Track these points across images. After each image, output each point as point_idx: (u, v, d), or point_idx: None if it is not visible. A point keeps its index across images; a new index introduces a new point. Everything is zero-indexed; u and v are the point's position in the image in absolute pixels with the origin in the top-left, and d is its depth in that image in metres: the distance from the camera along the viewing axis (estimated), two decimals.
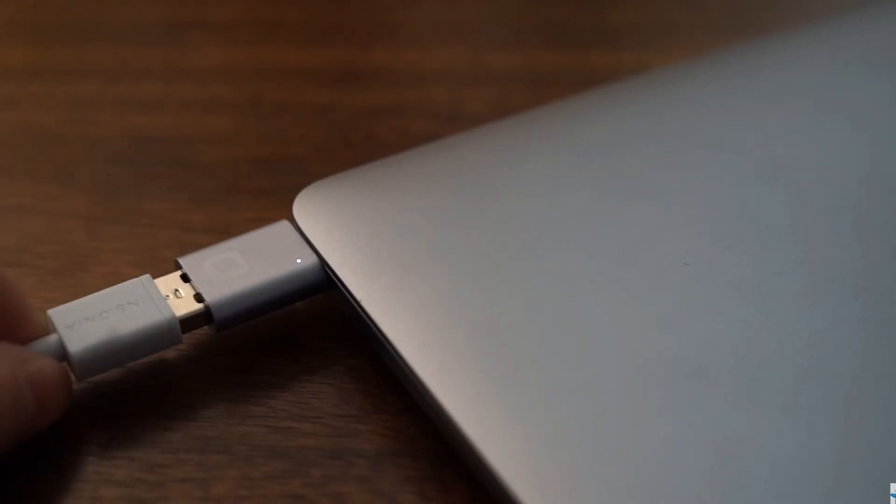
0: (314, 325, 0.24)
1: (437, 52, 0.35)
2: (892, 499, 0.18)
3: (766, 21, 0.36)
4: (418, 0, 0.39)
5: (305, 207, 0.24)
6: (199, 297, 0.22)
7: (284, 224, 0.24)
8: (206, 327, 0.23)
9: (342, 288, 0.22)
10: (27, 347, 0.21)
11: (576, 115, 0.27)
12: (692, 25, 0.36)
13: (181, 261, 0.23)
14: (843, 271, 0.22)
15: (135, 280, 0.22)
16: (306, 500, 0.20)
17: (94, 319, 0.21)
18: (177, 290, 0.22)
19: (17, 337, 0.21)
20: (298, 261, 0.23)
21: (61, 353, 0.21)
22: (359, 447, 0.21)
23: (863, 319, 0.21)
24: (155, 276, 0.22)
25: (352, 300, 0.22)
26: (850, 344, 0.21)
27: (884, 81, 0.28)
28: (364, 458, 0.21)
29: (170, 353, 0.23)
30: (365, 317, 0.22)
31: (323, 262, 0.23)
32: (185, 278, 0.22)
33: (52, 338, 0.21)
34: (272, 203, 0.28)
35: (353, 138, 0.31)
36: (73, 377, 0.21)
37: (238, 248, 0.23)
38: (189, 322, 0.22)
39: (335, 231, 0.23)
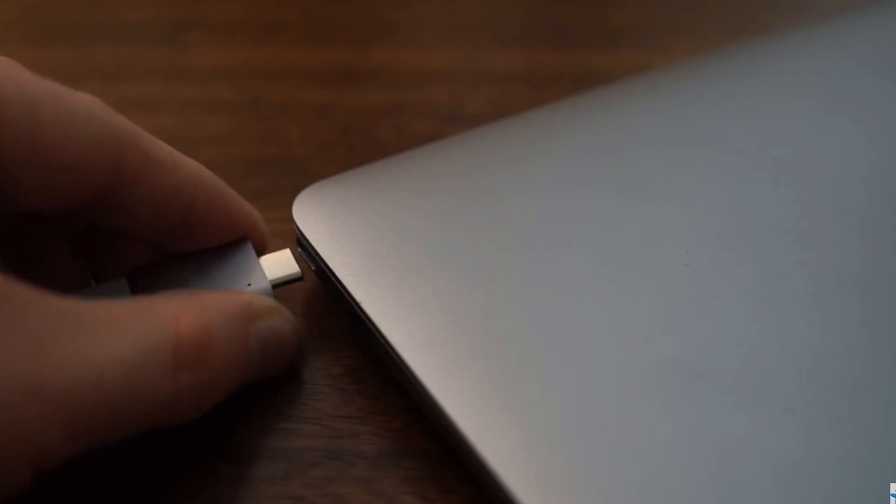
0: (314, 326, 0.24)
1: (437, 52, 0.35)
2: (892, 499, 0.18)
3: (766, 21, 0.36)
4: (418, 0, 0.39)
5: (305, 208, 0.24)
6: None
7: (244, 243, 0.23)
8: None
9: (342, 289, 0.22)
10: (260, 296, 0.22)
11: (576, 115, 0.27)
12: (692, 25, 0.36)
13: (134, 275, 0.22)
14: (845, 272, 0.22)
15: None
16: (306, 500, 0.20)
17: None
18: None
19: (232, 232, 0.22)
20: (249, 285, 0.22)
21: None
22: (359, 448, 0.21)
23: (864, 320, 0.21)
24: None
25: (351, 301, 0.22)
26: (850, 344, 0.21)
27: (885, 81, 0.28)
28: (364, 458, 0.21)
29: None
30: (364, 318, 0.22)
31: (322, 263, 0.23)
32: (137, 292, 0.22)
33: None
34: (272, 203, 0.28)
35: (353, 138, 0.31)
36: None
37: (192, 266, 0.23)
38: None
39: (335, 232, 0.23)
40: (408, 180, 0.25)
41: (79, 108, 0.19)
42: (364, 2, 0.39)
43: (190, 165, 0.21)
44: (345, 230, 0.23)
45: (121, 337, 0.18)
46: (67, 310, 0.17)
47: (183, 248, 0.23)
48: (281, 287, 0.23)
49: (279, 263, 0.23)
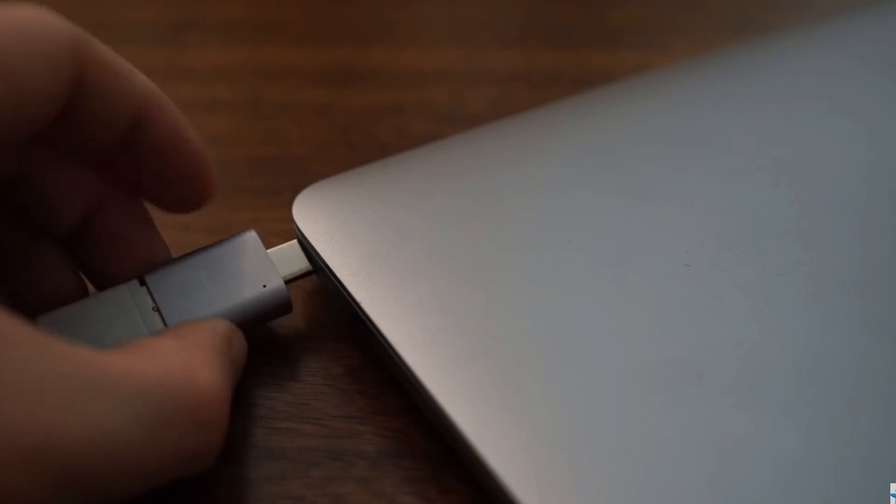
0: (313, 326, 0.24)
1: (437, 52, 0.35)
2: (892, 499, 0.18)
3: (766, 21, 0.36)
4: (418, 0, 0.39)
5: (305, 208, 0.24)
6: (161, 325, 0.21)
7: (251, 236, 0.23)
8: None
9: (342, 289, 0.22)
10: (224, 320, 0.21)
11: (576, 115, 0.27)
12: (692, 25, 0.36)
13: (147, 277, 0.22)
14: (845, 272, 0.22)
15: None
16: (306, 500, 0.20)
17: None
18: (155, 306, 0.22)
19: (178, 162, 0.21)
20: (264, 286, 0.22)
21: None
22: (359, 448, 0.21)
23: (864, 320, 0.21)
24: None
25: (351, 301, 0.22)
26: (850, 345, 0.21)
27: (885, 81, 0.28)
28: (364, 458, 0.21)
29: None
30: (364, 318, 0.22)
31: (322, 263, 0.23)
32: (152, 295, 0.22)
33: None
34: (272, 203, 0.28)
35: (353, 138, 0.31)
36: None
37: (204, 266, 0.22)
38: None
39: (335, 232, 0.23)
40: (408, 180, 0.25)
41: (30, 28, 0.18)
42: (364, 2, 0.39)
43: (143, 77, 0.21)
44: (345, 230, 0.23)
45: (135, 394, 0.17)
46: (74, 360, 0.16)
47: (125, 177, 0.22)
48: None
49: (288, 258, 0.23)
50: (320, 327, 0.24)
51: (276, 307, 0.22)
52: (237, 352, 0.21)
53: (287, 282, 0.23)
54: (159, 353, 0.18)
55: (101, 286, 0.22)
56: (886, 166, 0.25)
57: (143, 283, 0.22)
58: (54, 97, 0.19)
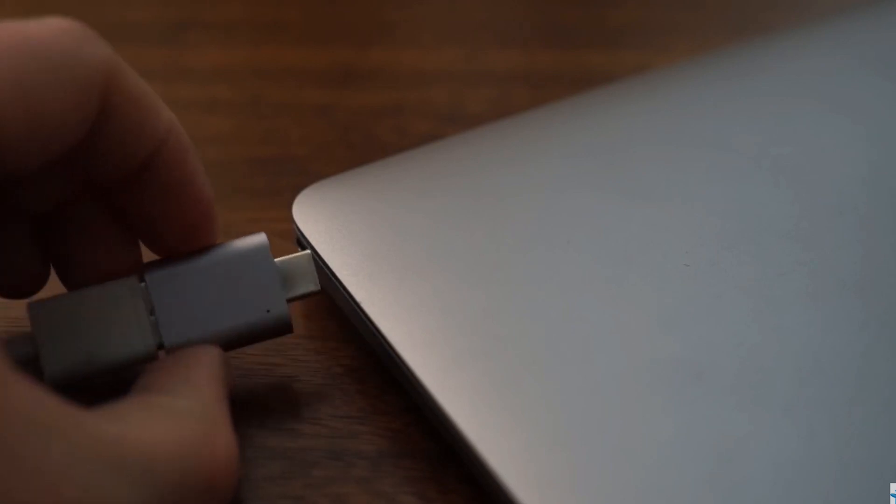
0: (313, 326, 0.24)
1: (437, 52, 0.35)
2: (892, 499, 0.18)
3: (766, 21, 0.36)
4: (418, 0, 0.39)
5: (305, 208, 0.24)
6: (157, 335, 0.20)
7: (262, 243, 0.21)
8: None
9: (342, 289, 0.22)
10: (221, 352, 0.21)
11: (576, 115, 0.27)
12: (692, 25, 0.36)
13: (147, 276, 0.21)
14: (845, 272, 0.22)
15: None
16: (306, 500, 0.20)
17: None
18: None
19: (196, 241, 0.21)
20: (267, 311, 0.21)
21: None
22: (359, 448, 0.21)
23: (864, 320, 0.21)
24: None
25: (351, 301, 0.22)
26: (850, 345, 0.21)
27: (885, 81, 0.28)
28: (364, 458, 0.21)
29: None
30: (364, 318, 0.22)
31: (322, 263, 0.23)
32: (150, 296, 0.21)
33: None
34: (272, 203, 0.28)
35: (353, 138, 0.31)
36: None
37: (209, 274, 0.21)
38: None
39: (335, 232, 0.23)
40: (408, 180, 0.25)
41: (57, 53, 0.17)
42: (364, 2, 0.39)
43: (168, 112, 0.20)
44: (345, 230, 0.23)
45: (154, 471, 0.16)
46: (93, 434, 0.16)
47: (123, 212, 0.21)
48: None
49: (298, 274, 0.22)
50: (320, 327, 0.24)
51: (276, 330, 0.21)
52: (228, 384, 0.20)
53: (291, 299, 0.21)
54: (176, 419, 0.18)
55: (69, 284, 0.21)
56: (886, 166, 0.25)
57: (142, 279, 0.21)
58: (77, 126, 0.18)
